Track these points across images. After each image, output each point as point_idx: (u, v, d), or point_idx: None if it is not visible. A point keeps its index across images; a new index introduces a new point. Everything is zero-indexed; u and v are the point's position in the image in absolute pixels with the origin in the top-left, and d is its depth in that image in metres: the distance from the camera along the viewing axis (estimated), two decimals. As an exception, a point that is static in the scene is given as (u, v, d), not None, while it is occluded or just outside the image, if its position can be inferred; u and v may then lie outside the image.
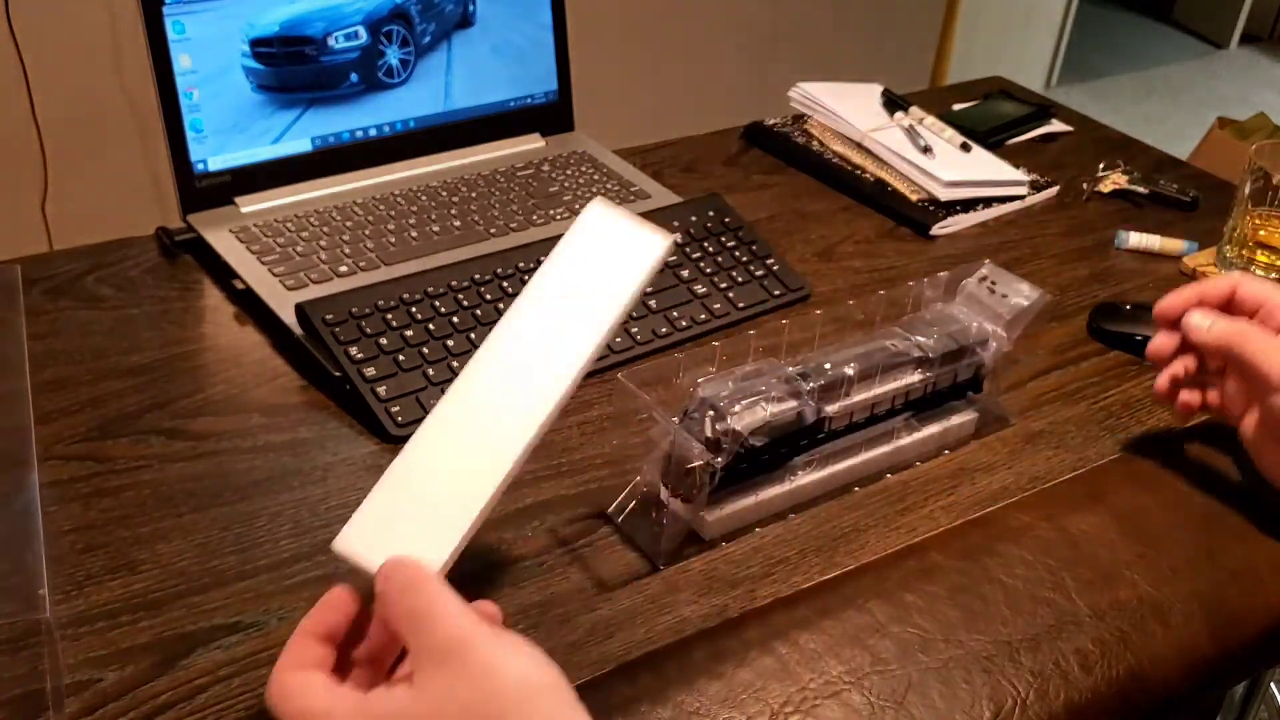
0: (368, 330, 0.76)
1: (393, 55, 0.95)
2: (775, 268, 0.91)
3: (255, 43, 0.89)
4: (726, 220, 0.94)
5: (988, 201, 1.05)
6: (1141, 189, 1.10)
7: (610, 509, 0.66)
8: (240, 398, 0.74)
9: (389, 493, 0.52)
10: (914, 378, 0.70)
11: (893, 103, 1.17)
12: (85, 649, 0.56)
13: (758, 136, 1.16)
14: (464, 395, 0.54)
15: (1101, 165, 1.14)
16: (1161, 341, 0.70)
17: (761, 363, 0.67)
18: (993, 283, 0.73)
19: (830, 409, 0.67)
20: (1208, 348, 0.67)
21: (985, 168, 1.08)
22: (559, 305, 0.55)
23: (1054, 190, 1.10)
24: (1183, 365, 0.69)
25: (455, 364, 0.76)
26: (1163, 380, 0.70)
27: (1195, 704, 0.63)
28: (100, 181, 1.78)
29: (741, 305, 0.87)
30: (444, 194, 0.96)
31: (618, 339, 0.80)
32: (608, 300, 0.54)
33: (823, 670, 0.57)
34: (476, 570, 0.62)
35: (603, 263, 0.55)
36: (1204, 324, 0.67)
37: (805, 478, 0.68)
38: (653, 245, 0.55)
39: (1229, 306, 0.68)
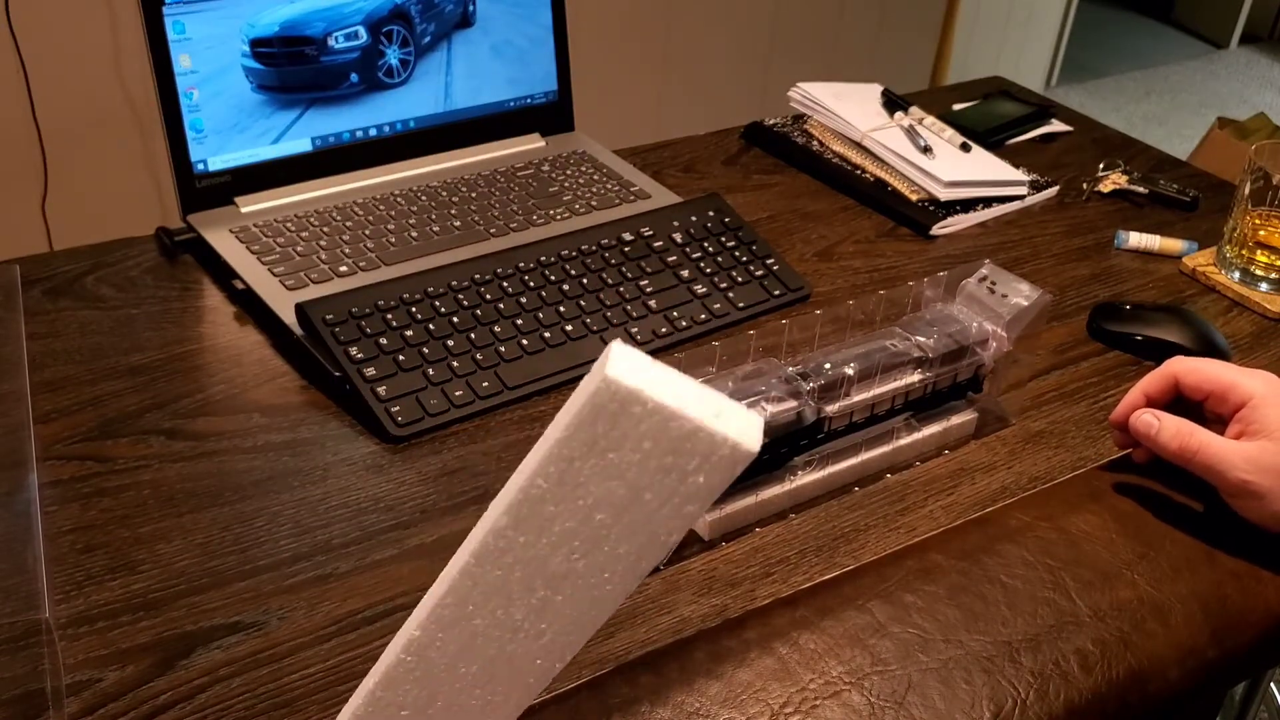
0: (368, 330, 0.76)
1: (393, 55, 0.95)
2: (775, 268, 0.91)
3: (255, 43, 0.89)
4: (726, 220, 0.94)
5: (988, 201, 1.05)
6: (1141, 189, 1.10)
7: (610, 509, 0.66)
8: (240, 398, 0.74)
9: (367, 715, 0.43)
10: (914, 378, 0.70)
11: (893, 103, 1.17)
12: (85, 649, 0.56)
13: (758, 136, 1.16)
14: (437, 632, 0.41)
15: (1101, 165, 1.14)
16: (1121, 440, 0.71)
17: (761, 363, 0.67)
18: (993, 283, 0.73)
19: (830, 409, 0.67)
20: (1161, 453, 0.67)
21: (985, 168, 1.08)
22: (558, 533, 0.38)
23: (1054, 190, 1.10)
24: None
25: (455, 364, 0.76)
26: (1139, 455, 0.71)
27: (1195, 704, 0.63)
28: (100, 181, 1.78)
29: (741, 305, 0.87)
30: (444, 194, 0.96)
31: (617, 340, 0.80)
32: (638, 534, 0.38)
33: (823, 670, 0.57)
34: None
35: (629, 473, 0.36)
36: (1153, 426, 0.67)
37: (805, 478, 0.68)
38: (727, 455, 0.36)
39: (1179, 394, 0.68)
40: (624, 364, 0.34)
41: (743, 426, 0.35)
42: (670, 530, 0.38)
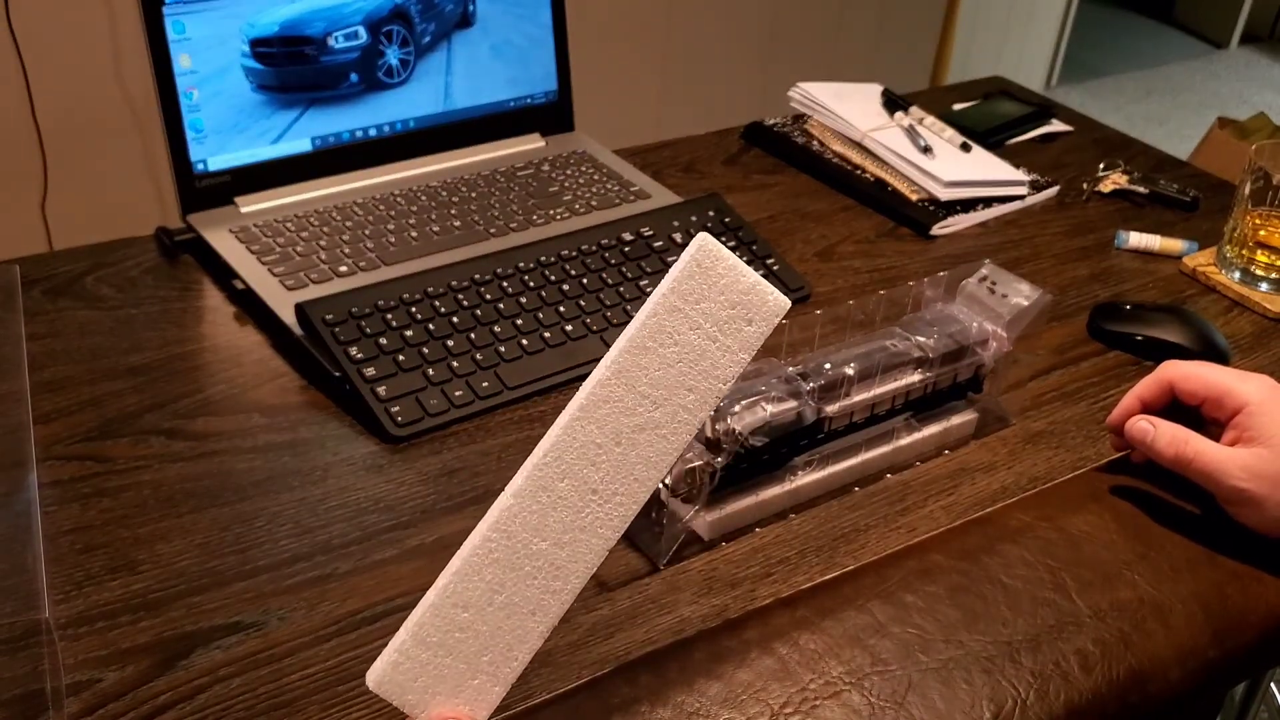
0: (367, 330, 0.76)
1: (392, 55, 0.95)
2: (775, 268, 0.91)
3: (255, 43, 0.89)
4: (726, 220, 0.94)
5: (988, 201, 1.05)
6: (1141, 189, 1.10)
7: (610, 509, 0.66)
8: (240, 398, 0.74)
9: (430, 621, 0.46)
10: (914, 378, 0.70)
11: (893, 103, 1.17)
12: (85, 649, 0.56)
13: (758, 136, 1.16)
14: (526, 502, 0.46)
15: (1101, 165, 1.14)
16: (1118, 443, 0.71)
17: (761, 363, 0.67)
18: (993, 283, 0.73)
19: (830, 409, 0.67)
20: (1157, 460, 0.67)
21: (985, 168, 1.08)
22: (646, 382, 0.46)
23: (1054, 190, 1.10)
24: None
25: (455, 364, 0.76)
26: (1137, 456, 0.71)
27: (1195, 704, 0.63)
28: (100, 181, 1.78)
29: (741, 305, 0.87)
30: (444, 194, 0.96)
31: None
32: (704, 379, 0.47)
33: (823, 671, 0.57)
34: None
35: (705, 323, 0.47)
36: (1148, 433, 0.67)
37: (805, 478, 0.68)
38: (771, 306, 0.47)
39: (1174, 399, 0.68)
40: (710, 239, 0.46)
41: (775, 288, 0.47)
42: (727, 377, 0.47)
